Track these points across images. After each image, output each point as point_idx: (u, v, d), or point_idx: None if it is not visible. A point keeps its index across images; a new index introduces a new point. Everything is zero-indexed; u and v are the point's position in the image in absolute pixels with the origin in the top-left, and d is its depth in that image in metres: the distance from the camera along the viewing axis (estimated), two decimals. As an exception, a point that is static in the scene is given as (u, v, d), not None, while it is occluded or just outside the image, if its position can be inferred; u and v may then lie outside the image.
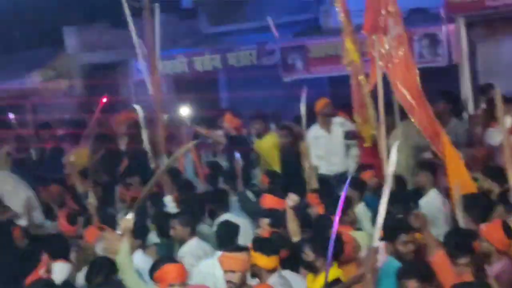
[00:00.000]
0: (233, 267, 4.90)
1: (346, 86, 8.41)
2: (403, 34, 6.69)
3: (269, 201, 6.55)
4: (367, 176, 7.20)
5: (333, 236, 4.31)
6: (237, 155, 8.10)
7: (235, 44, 12.03)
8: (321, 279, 4.75)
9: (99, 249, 5.89)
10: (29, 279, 5.42)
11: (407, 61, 6.63)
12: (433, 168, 7.04)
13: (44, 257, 5.64)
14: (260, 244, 5.22)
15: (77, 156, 8.95)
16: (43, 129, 10.58)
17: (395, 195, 6.27)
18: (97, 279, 5.22)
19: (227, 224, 6.23)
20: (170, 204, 7.18)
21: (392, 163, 4.43)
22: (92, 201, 6.69)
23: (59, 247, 6.11)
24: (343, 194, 4.42)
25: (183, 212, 6.53)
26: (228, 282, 4.91)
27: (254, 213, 7.02)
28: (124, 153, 9.84)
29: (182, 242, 6.25)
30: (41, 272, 5.48)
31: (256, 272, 5.10)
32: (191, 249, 6.11)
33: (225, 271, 4.92)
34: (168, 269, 4.92)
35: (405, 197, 6.52)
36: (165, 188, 7.26)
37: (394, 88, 6.74)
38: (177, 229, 6.20)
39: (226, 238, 5.91)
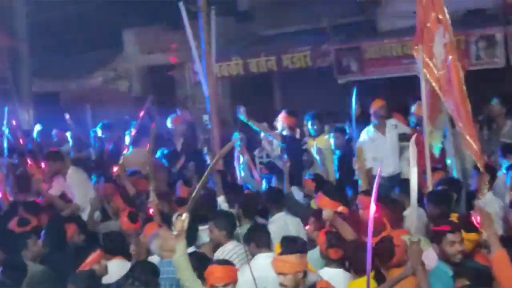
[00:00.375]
0: (285, 270, 4.93)
1: (401, 87, 8.39)
2: (452, 43, 6.68)
3: (322, 201, 6.56)
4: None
5: (369, 241, 4.31)
6: (284, 155, 8.16)
7: (290, 46, 12.07)
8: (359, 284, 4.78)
9: (153, 247, 6.01)
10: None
11: (454, 70, 6.61)
12: (490, 171, 6.99)
13: (94, 254, 5.76)
14: (287, 244, 5.26)
15: (136, 156, 9.12)
16: (103, 129, 10.82)
17: (448, 196, 6.31)
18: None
19: (256, 228, 6.16)
20: (223, 204, 7.31)
21: (412, 159, 4.44)
22: (153, 200, 6.80)
23: (117, 245, 6.28)
24: (374, 197, 4.40)
25: (219, 215, 6.44)
26: (281, 285, 4.93)
27: (299, 213, 7.09)
28: (180, 153, 10.01)
29: (219, 245, 6.18)
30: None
31: None
32: (224, 254, 6.01)
33: (278, 274, 4.95)
34: (213, 269, 4.96)
35: (453, 198, 6.50)
36: (217, 188, 7.35)
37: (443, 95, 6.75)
38: (213, 232, 6.17)
39: (257, 240, 5.82)
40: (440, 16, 6.60)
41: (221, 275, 4.88)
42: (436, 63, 6.67)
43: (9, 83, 12.85)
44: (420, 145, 7.76)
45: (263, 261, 5.47)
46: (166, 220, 6.65)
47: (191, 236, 6.06)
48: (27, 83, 13.90)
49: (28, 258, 6.32)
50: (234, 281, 4.96)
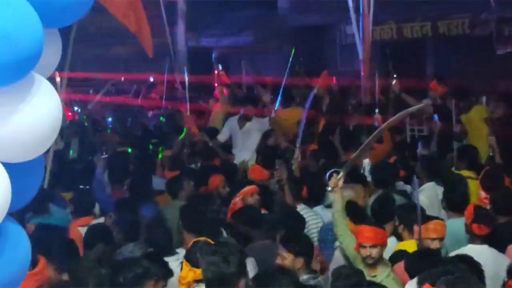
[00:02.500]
0: (440, 234, 5.06)
1: None
2: None
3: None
4: None
5: None
6: (435, 116, 8.02)
7: (447, 12, 11.65)
8: None
9: None
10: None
11: None
12: None
13: (250, 187, 6.07)
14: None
15: (289, 115, 9.26)
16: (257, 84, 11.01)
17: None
18: None
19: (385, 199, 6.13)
20: (367, 166, 7.34)
21: None
22: (297, 156, 6.95)
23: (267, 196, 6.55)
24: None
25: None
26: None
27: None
28: (323, 114, 10.02)
29: None
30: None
31: None
32: None
33: (436, 239, 5.04)
34: (362, 229, 5.00)
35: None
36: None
37: None
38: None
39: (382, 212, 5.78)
40: None
41: (369, 235, 4.89)
42: None
43: (166, 37, 13.37)
44: None
45: None
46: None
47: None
48: (183, 38, 14.42)
49: (182, 198, 6.70)
50: (382, 243, 4.94)
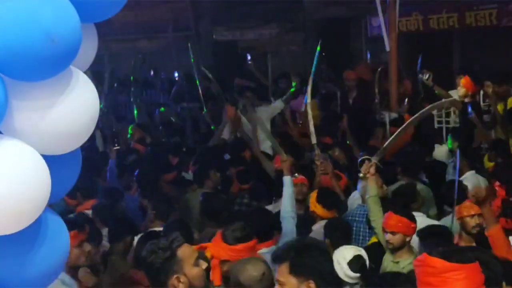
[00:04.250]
0: (478, 210, 5.06)
1: None
2: None
3: None
4: None
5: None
6: (469, 108, 8.02)
7: (474, 2, 11.53)
8: None
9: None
10: None
11: None
12: None
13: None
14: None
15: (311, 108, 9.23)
16: (281, 78, 11.01)
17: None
18: None
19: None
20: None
21: None
22: (317, 153, 6.89)
23: None
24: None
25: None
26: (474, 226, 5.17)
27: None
28: (350, 108, 9.99)
29: None
30: None
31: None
32: None
33: (475, 215, 5.16)
34: (388, 215, 5.03)
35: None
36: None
37: None
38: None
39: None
40: None
41: (389, 222, 4.96)
42: None
43: (191, 30, 13.43)
44: None
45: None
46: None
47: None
48: (208, 31, 14.45)
49: (209, 187, 6.78)
50: (404, 232, 4.94)
